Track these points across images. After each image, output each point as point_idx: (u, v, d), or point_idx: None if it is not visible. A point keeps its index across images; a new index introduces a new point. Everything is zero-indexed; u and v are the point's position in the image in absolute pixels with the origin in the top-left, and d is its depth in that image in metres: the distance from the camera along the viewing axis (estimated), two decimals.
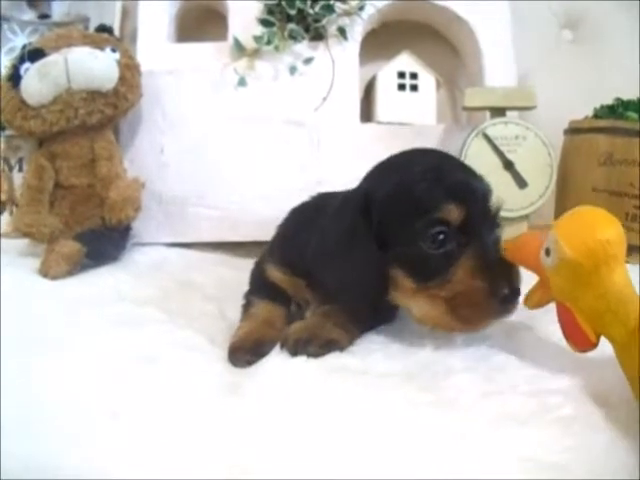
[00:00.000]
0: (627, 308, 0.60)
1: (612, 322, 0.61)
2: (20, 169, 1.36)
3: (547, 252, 0.66)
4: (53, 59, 1.22)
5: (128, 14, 1.51)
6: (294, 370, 0.77)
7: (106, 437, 0.66)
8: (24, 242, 1.26)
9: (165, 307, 1.06)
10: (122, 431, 0.67)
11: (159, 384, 0.78)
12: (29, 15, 1.54)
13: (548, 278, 0.68)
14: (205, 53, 1.43)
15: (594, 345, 0.64)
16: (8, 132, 1.38)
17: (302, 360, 0.77)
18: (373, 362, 0.78)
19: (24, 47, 1.30)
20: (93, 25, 1.51)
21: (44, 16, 1.50)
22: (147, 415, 0.70)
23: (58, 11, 1.54)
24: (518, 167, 1.31)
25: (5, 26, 1.52)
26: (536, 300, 0.73)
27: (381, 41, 1.49)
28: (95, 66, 1.23)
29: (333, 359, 0.79)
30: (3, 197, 1.36)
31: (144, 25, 1.44)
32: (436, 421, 0.64)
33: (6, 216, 1.36)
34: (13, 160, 1.37)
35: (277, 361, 0.80)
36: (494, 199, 0.82)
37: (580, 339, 0.65)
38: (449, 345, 0.80)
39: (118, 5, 1.46)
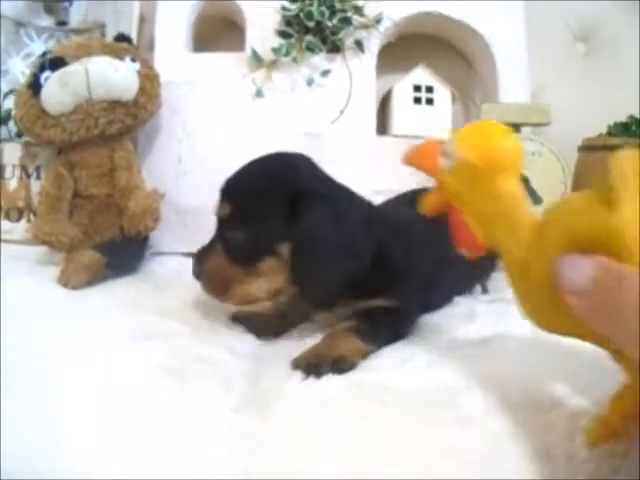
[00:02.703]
0: (518, 215, 0.60)
1: (503, 228, 0.61)
2: (38, 177, 1.37)
3: (445, 156, 0.68)
4: (74, 69, 1.22)
5: (145, 22, 1.50)
6: (317, 388, 0.78)
7: (127, 452, 0.66)
8: (41, 250, 1.27)
9: (187, 319, 1.05)
10: (143, 446, 0.67)
11: (182, 399, 0.78)
12: (46, 21, 1.54)
13: (444, 182, 0.69)
14: (222, 63, 1.44)
15: (484, 250, 0.65)
16: (25, 139, 1.38)
17: (327, 377, 0.77)
18: (395, 379, 0.78)
19: (43, 54, 1.31)
20: (110, 32, 1.52)
21: (62, 23, 1.51)
22: (169, 430, 0.70)
23: (75, 18, 1.54)
24: (533, 183, 1.31)
25: (22, 31, 1.53)
26: (431, 205, 0.73)
27: (396, 54, 1.50)
28: (115, 76, 1.24)
29: (354, 376, 0.79)
30: (20, 204, 1.37)
31: (161, 34, 1.45)
32: (459, 441, 0.64)
33: (23, 223, 1.36)
34: (31, 168, 1.38)
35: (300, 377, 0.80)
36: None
37: (471, 244, 0.67)
38: (470, 360, 0.80)
39: (135, 13, 1.46)
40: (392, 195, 1.22)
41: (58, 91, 1.22)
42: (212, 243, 0.97)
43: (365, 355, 0.82)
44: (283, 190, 0.88)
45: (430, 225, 0.80)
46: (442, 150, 0.69)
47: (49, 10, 1.51)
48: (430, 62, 1.50)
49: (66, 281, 1.15)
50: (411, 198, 1.03)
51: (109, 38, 1.45)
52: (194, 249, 1.28)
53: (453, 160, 0.67)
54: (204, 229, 1.27)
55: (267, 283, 0.91)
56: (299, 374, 0.78)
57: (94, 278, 1.17)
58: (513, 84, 1.44)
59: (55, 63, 1.25)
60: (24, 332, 0.92)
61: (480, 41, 1.46)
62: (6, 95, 1.45)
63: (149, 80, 1.28)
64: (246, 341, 0.99)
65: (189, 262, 1.27)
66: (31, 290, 1.14)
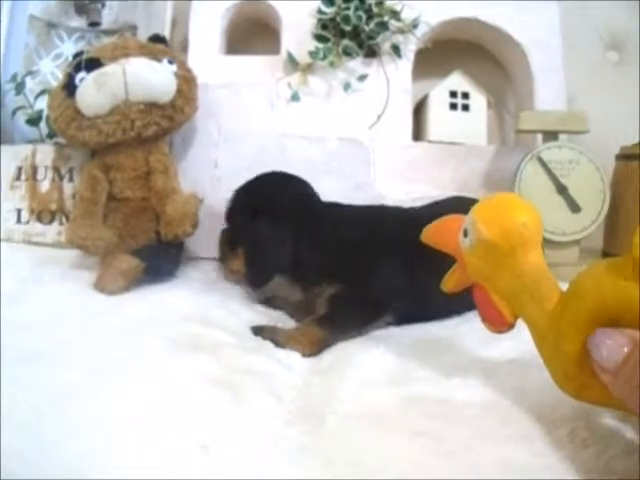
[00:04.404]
0: (542, 289, 0.59)
1: (528, 303, 0.60)
2: (70, 179, 1.29)
3: (465, 233, 0.66)
4: (111, 70, 1.15)
5: (177, 24, 1.43)
6: (369, 399, 0.74)
7: (180, 467, 0.62)
8: (74, 253, 1.19)
9: (231, 328, 0.99)
10: (196, 461, 0.63)
11: (234, 412, 0.72)
12: (77, 22, 1.47)
13: (465, 260, 0.68)
14: (257, 66, 1.39)
15: (510, 325, 0.64)
16: (57, 139, 1.31)
17: (379, 389, 0.75)
18: (445, 392, 0.74)
19: (78, 55, 1.23)
20: (141, 34, 1.45)
21: (94, 24, 1.43)
22: (222, 444, 0.65)
23: (106, 19, 1.46)
24: (571, 192, 1.27)
25: (52, 32, 1.45)
26: (453, 282, 0.73)
27: (431, 59, 1.43)
28: (153, 78, 1.17)
29: (411, 387, 0.75)
30: (53, 207, 1.29)
31: (195, 36, 1.39)
32: (517, 454, 0.60)
33: (55, 226, 1.29)
34: (63, 169, 1.30)
35: (353, 387, 0.77)
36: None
37: (496, 319, 0.65)
38: (523, 370, 0.75)
39: (168, 15, 1.39)
40: (429, 200, 1.16)
41: (94, 92, 1.14)
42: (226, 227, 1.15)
43: (321, 342, 0.93)
44: (248, 205, 1.09)
45: None
46: (462, 227, 0.66)
47: (80, 11, 1.43)
48: (464, 68, 1.43)
49: (103, 287, 1.08)
50: (451, 205, 1.05)
51: (143, 39, 1.36)
52: None
53: (473, 238, 0.64)
54: None
55: (240, 264, 1.09)
56: (349, 385, 0.77)
57: (131, 284, 1.09)
58: (549, 92, 1.38)
59: (91, 64, 1.17)
60: (62, 342, 0.86)
61: (516, 48, 1.40)
62: (38, 96, 1.36)
63: (187, 82, 1.20)
64: (291, 354, 0.94)
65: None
66: (66, 296, 1.07)
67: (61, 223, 1.30)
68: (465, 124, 1.39)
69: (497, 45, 1.45)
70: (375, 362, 0.86)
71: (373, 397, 0.75)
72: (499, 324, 0.66)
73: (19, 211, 1.31)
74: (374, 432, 0.67)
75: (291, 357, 0.92)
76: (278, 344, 0.94)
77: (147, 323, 0.97)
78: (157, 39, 1.26)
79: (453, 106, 1.40)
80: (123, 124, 1.16)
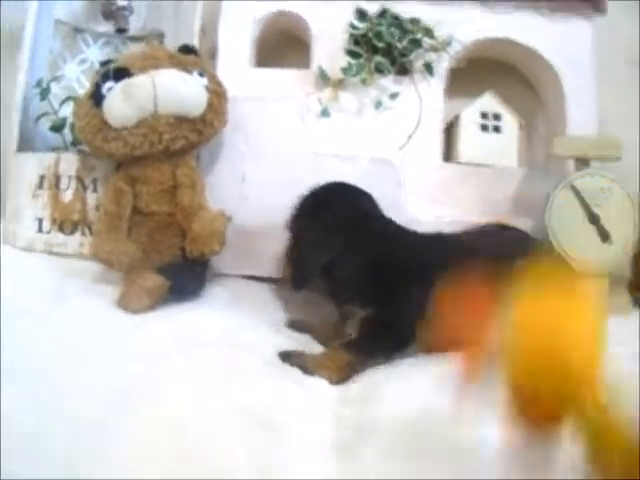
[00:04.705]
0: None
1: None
2: (94, 189, 1.24)
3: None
4: (140, 81, 1.10)
5: (206, 32, 1.37)
6: (404, 434, 0.72)
7: None
8: (95, 266, 1.15)
9: (260, 352, 0.97)
10: None
11: (266, 449, 0.69)
12: (103, 27, 1.41)
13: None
14: (287, 80, 1.33)
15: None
16: (81, 147, 1.26)
17: (411, 425, 0.73)
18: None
19: (105, 63, 1.18)
20: (168, 42, 1.40)
21: (121, 30, 1.38)
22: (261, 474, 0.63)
23: (133, 25, 1.41)
24: (603, 221, 1.22)
25: (78, 37, 1.40)
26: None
27: (461, 78, 1.38)
28: (184, 91, 1.12)
29: (442, 425, 0.72)
30: (75, 217, 1.24)
31: (225, 48, 1.34)
32: None
33: (78, 237, 1.24)
34: (87, 180, 1.25)
35: (385, 422, 0.74)
36: None
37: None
38: None
39: (197, 23, 1.34)
40: (462, 225, 1.15)
41: (122, 103, 1.09)
42: None
43: (348, 368, 0.91)
44: (305, 212, 1.07)
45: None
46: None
47: (107, 16, 1.38)
48: (495, 88, 1.38)
49: (127, 305, 1.04)
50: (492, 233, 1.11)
51: (171, 48, 1.31)
52: (255, 272, 1.17)
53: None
54: (266, 251, 1.15)
55: None
56: (380, 419, 0.76)
57: (156, 302, 1.04)
58: (581, 116, 1.33)
59: (119, 73, 1.12)
60: (88, 364, 0.84)
61: (549, 70, 1.35)
62: (63, 102, 1.30)
63: (217, 96, 1.16)
64: (320, 382, 0.91)
65: (251, 285, 1.17)
66: (89, 313, 1.04)
67: (83, 234, 1.25)
68: (496, 146, 1.34)
69: (529, 66, 1.40)
70: (405, 395, 0.82)
71: (406, 433, 0.72)
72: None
73: (41, 220, 1.26)
74: (409, 466, 0.65)
75: (320, 385, 0.89)
76: (306, 371, 0.91)
77: (173, 345, 0.94)
78: (187, 49, 1.21)
79: (484, 127, 1.35)
80: (150, 137, 1.11)
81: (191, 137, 1.13)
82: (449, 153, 1.36)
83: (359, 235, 1.00)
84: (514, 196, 1.31)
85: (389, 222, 1.06)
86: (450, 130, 1.36)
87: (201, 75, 1.16)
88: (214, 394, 0.79)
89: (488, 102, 1.35)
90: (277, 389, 0.85)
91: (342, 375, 0.91)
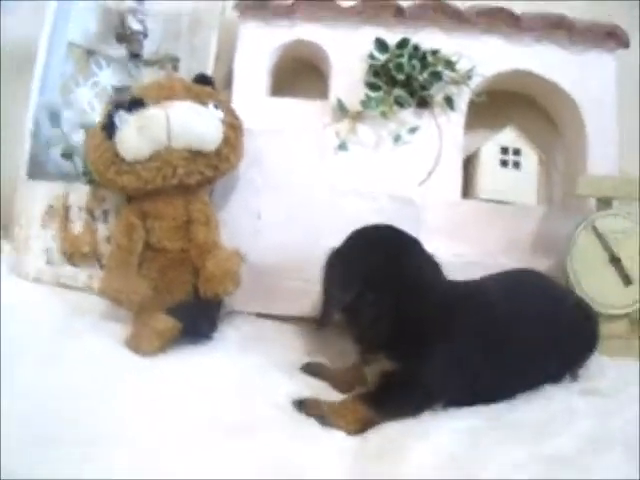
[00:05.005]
0: None
1: None
2: (105, 221, 1.18)
3: None
4: (154, 113, 1.04)
5: (221, 58, 1.30)
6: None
7: None
8: (101, 300, 1.07)
9: (272, 402, 0.90)
10: None
11: None
12: (116, 50, 1.34)
13: None
14: (303, 110, 1.27)
15: None
16: (91, 177, 1.19)
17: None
18: None
19: (118, 90, 1.11)
20: (183, 67, 1.36)
21: (135, 55, 1.31)
22: None
23: (147, 49, 1.35)
24: (624, 262, 1.17)
25: (91, 59, 1.33)
26: None
27: (480, 111, 1.32)
28: (198, 125, 1.06)
29: None
30: (85, 250, 1.17)
31: (241, 76, 1.28)
32: None
33: (87, 269, 1.17)
34: (97, 211, 1.19)
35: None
36: None
37: None
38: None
39: (212, 49, 1.27)
40: (480, 267, 1.08)
41: (135, 136, 1.04)
42: None
43: (366, 421, 0.84)
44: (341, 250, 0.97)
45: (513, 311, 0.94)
46: None
47: (121, 39, 1.31)
48: (514, 120, 1.33)
49: (137, 347, 0.99)
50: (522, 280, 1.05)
51: (182, 73, 1.27)
52: (268, 310, 1.11)
53: None
54: (280, 289, 1.09)
55: None
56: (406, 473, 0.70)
57: (167, 345, 0.98)
58: (603, 154, 1.27)
59: (133, 104, 1.04)
60: (96, 409, 0.80)
61: (570, 105, 1.29)
62: (74, 130, 1.24)
63: (233, 130, 1.09)
64: (335, 435, 0.84)
65: (264, 325, 1.11)
66: (98, 354, 0.97)
67: (93, 267, 1.17)
68: (516, 182, 1.29)
69: (550, 99, 1.35)
70: (427, 454, 0.76)
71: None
72: None
73: (49, 251, 1.19)
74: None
75: (336, 437, 0.83)
76: (322, 421, 0.85)
77: (183, 394, 0.89)
78: (203, 80, 1.14)
79: (504, 163, 1.29)
80: (164, 171, 1.05)
81: (206, 172, 1.07)
82: (468, 188, 1.29)
83: (388, 283, 0.91)
84: (533, 234, 1.23)
85: (433, 276, 0.96)
86: (468, 164, 1.29)
87: (217, 107, 1.09)
88: (224, 449, 0.75)
89: (509, 137, 1.29)
90: (291, 444, 0.79)
91: (360, 427, 0.85)
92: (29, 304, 1.12)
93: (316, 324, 1.01)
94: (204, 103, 1.09)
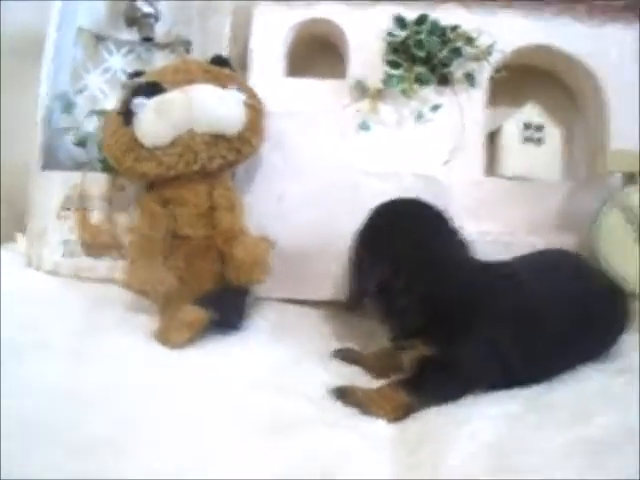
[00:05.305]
0: None
1: None
2: (124, 210, 1.11)
3: None
4: (174, 97, 0.98)
5: (235, 40, 1.23)
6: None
7: None
8: (128, 293, 1.00)
9: (309, 394, 0.85)
10: None
11: None
12: (126, 35, 1.27)
13: None
14: (322, 91, 1.21)
15: None
16: (106, 164, 1.12)
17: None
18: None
19: (133, 75, 1.04)
20: (195, 49, 1.29)
21: (147, 39, 1.24)
22: None
23: (158, 32, 1.27)
24: None
25: (101, 45, 1.26)
26: None
27: (499, 87, 1.26)
28: (221, 109, 1.00)
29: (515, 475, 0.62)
30: (105, 240, 1.11)
31: (257, 58, 1.22)
32: None
33: (107, 261, 1.11)
34: (116, 200, 1.13)
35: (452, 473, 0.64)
36: None
37: None
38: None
39: (226, 32, 1.20)
40: (502, 243, 1.08)
41: (155, 121, 0.97)
42: None
43: (406, 408, 0.80)
44: (371, 227, 0.92)
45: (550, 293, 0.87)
46: None
47: (131, 23, 1.24)
48: (533, 96, 1.28)
49: (166, 339, 0.93)
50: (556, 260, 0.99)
51: (194, 57, 1.22)
52: (294, 295, 1.05)
53: None
54: (305, 273, 1.04)
55: None
56: (446, 471, 0.65)
57: (196, 336, 0.91)
58: (624, 128, 1.21)
59: (151, 89, 0.97)
60: (125, 408, 0.75)
61: (591, 78, 1.24)
62: (87, 116, 1.17)
63: (255, 112, 1.03)
64: (375, 423, 0.79)
65: (291, 311, 1.05)
66: (125, 349, 0.92)
67: (113, 258, 1.10)
68: (539, 158, 1.23)
69: (570, 74, 1.29)
70: (468, 441, 0.71)
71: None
72: None
73: (67, 243, 1.13)
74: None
75: (376, 425, 0.79)
76: (361, 409, 0.80)
77: (215, 387, 0.84)
78: (219, 61, 1.07)
79: (527, 139, 1.23)
80: (186, 156, 0.99)
81: (229, 156, 1.01)
82: (490, 166, 1.23)
83: (422, 264, 0.86)
84: (558, 211, 1.18)
85: (464, 257, 0.92)
86: (490, 142, 1.23)
87: (238, 90, 1.02)
88: (264, 443, 0.70)
89: (531, 113, 1.24)
90: (331, 434, 0.74)
91: (400, 415, 0.81)
92: (48, 298, 1.06)
93: (345, 308, 0.98)
94: (225, 86, 1.03)
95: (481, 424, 0.74)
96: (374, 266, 0.87)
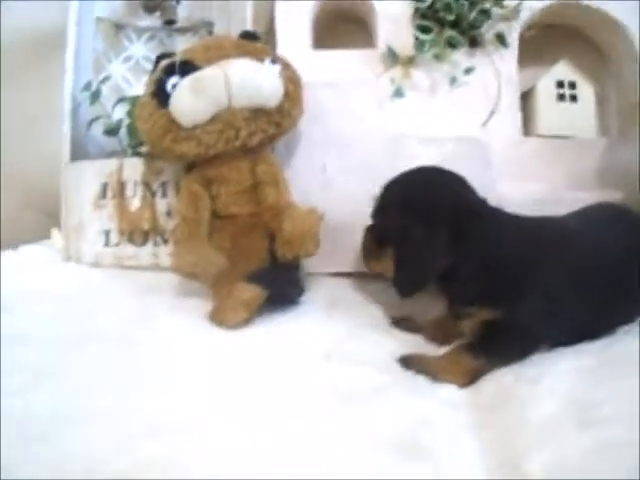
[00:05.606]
0: None
1: None
2: (164, 194, 1.06)
3: None
4: (211, 73, 0.92)
5: (257, 21, 1.18)
6: (563, 446, 0.57)
7: None
8: (175, 278, 0.96)
9: (378, 364, 0.80)
10: None
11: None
12: (145, 21, 1.22)
13: None
14: (351, 62, 1.16)
15: None
16: (141, 150, 1.07)
17: (566, 433, 0.60)
18: None
19: (160, 58, 0.99)
20: (218, 31, 1.21)
21: (170, 22, 1.18)
22: None
23: (179, 16, 1.21)
24: None
25: (121, 34, 1.20)
26: None
27: (527, 47, 1.19)
28: (260, 81, 0.94)
29: (602, 431, 0.58)
30: (145, 226, 1.05)
31: (283, 32, 1.16)
32: None
33: (150, 247, 1.06)
34: (155, 185, 1.07)
35: (534, 432, 0.61)
36: None
37: None
38: None
39: (249, 11, 1.14)
40: (545, 200, 1.01)
41: (192, 99, 0.91)
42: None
43: (475, 372, 0.76)
44: (400, 205, 0.86)
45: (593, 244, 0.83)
46: None
47: (149, 10, 1.20)
48: (562, 55, 1.20)
49: (222, 320, 0.88)
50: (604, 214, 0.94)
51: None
52: (343, 268, 1.02)
53: None
54: (354, 245, 0.98)
55: (385, 267, 0.88)
56: (528, 429, 0.62)
57: (253, 315, 0.86)
58: None
59: (185, 67, 0.91)
60: (187, 395, 0.70)
61: (622, 33, 1.20)
62: (116, 104, 1.11)
63: (293, 84, 0.98)
64: (447, 389, 0.76)
65: (342, 286, 1.01)
66: (181, 334, 0.88)
67: (156, 244, 1.07)
68: (574, 115, 1.19)
69: (599, 30, 1.24)
70: (545, 398, 0.68)
71: (564, 444, 0.58)
72: None
73: (107, 232, 1.08)
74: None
75: (448, 391, 0.75)
76: (430, 376, 0.77)
77: (284, 366, 0.80)
78: (249, 35, 1.02)
79: (561, 97, 1.19)
80: (226, 133, 0.94)
81: (269, 130, 0.96)
82: (526, 125, 1.18)
83: (470, 229, 0.82)
84: (599, 167, 1.13)
85: (497, 211, 0.87)
86: (525, 101, 1.18)
87: (273, 62, 0.96)
88: (339, 417, 0.66)
89: (563, 70, 1.20)
90: (410, 402, 0.71)
91: (470, 379, 0.77)
92: (93, 290, 1.01)
93: (399, 293, 0.89)
94: (259, 59, 0.97)
95: (556, 380, 0.71)
96: (435, 248, 0.83)
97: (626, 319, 0.86)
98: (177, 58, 0.98)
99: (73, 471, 0.55)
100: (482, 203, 0.87)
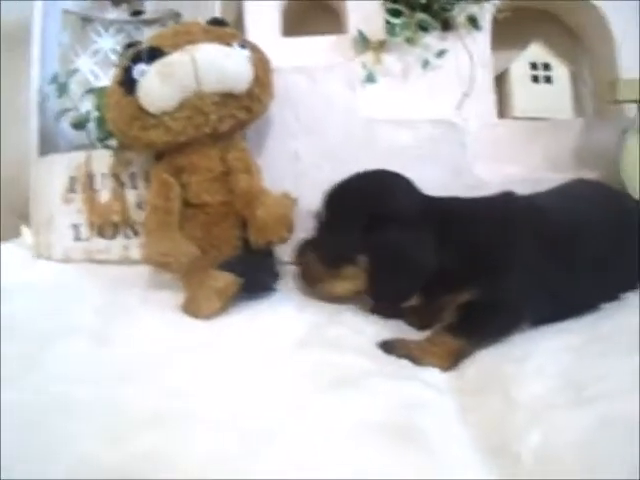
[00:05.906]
0: None
1: None
2: (134, 186, 1.01)
3: None
4: (178, 58, 0.87)
5: (226, 11, 1.13)
6: (558, 427, 0.55)
7: None
8: (147, 270, 0.91)
9: (360, 349, 0.76)
10: None
11: (417, 465, 0.52)
12: (112, 14, 1.16)
13: None
14: (321, 48, 1.12)
15: None
16: (108, 142, 1.01)
17: (560, 412, 0.57)
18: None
19: (129, 46, 0.94)
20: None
21: (137, 12, 1.13)
22: None
23: (146, 9, 1.16)
24: None
25: (88, 27, 1.15)
26: None
27: (499, 30, 1.15)
28: (228, 65, 0.90)
29: (596, 408, 0.55)
30: (116, 219, 1.00)
31: (252, 19, 1.11)
32: None
33: (120, 240, 1.00)
34: (124, 176, 1.02)
35: (526, 413, 0.58)
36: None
37: None
38: None
39: (217, 2, 1.09)
40: (531, 183, 0.94)
41: (159, 85, 0.87)
42: (312, 239, 0.89)
43: (457, 353, 0.74)
44: (365, 211, 0.81)
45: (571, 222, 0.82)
46: None
47: (116, 2, 1.13)
48: (535, 37, 1.15)
49: (196, 310, 0.83)
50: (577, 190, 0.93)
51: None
52: None
53: None
54: None
55: (348, 285, 0.85)
56: (519, 411, 0.59)
57: (227, 304, 0.81)
58: (631, 59, 1.10)
59: (151, 54, 0.86)
60: (168, 385, 0.65)
61: (595, 14, 1.15)
62: (83, 95, 1.06)
63: (262, 68, 0.94)
64: (430, 372, 0.73)
65: None
66: (155, 326, 0.83)
67: (127, 236, 1.01)
68: (549, 97, 1.16)
69: (572, 10, 1.21)
70: (532, 377, 0.65)
71: (559, 423, 0.55)
72: None
73: (77, 227, 1.03)
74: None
75: (431, 374, 0.72)
76: (413, 360, 0.74)
77: (262, 353, 0.75)
78: (217, 22, 0.97)
79: (535, 79, 1.15)
80: (196, 119, 0.90)
81: (240, 115, 0.91)
82: (501, 108, 1.14)
83: (438, 221, 0.81)
84: (576, 148, 1.09)
85: (454, 199, 0.86)
86: (499, 84, 1.14)
87: (242, 47, 0.91)
88: (328, 401, 0.62)
89: (536, 52, 1.17)
90: (396, 387, 0.66)
91: (452, 361, 0.75)
92: (64, 285, 0.96)
93: (391, 303, 0.88)
94: (228, 43, 0.92)
95: (544, 358, 0.68)
96: (426, 244, 0.80)
97: (609, 294, 0.84)
98: (145, 45, 0.92)
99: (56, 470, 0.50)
100: (441, 197, 0.85)
